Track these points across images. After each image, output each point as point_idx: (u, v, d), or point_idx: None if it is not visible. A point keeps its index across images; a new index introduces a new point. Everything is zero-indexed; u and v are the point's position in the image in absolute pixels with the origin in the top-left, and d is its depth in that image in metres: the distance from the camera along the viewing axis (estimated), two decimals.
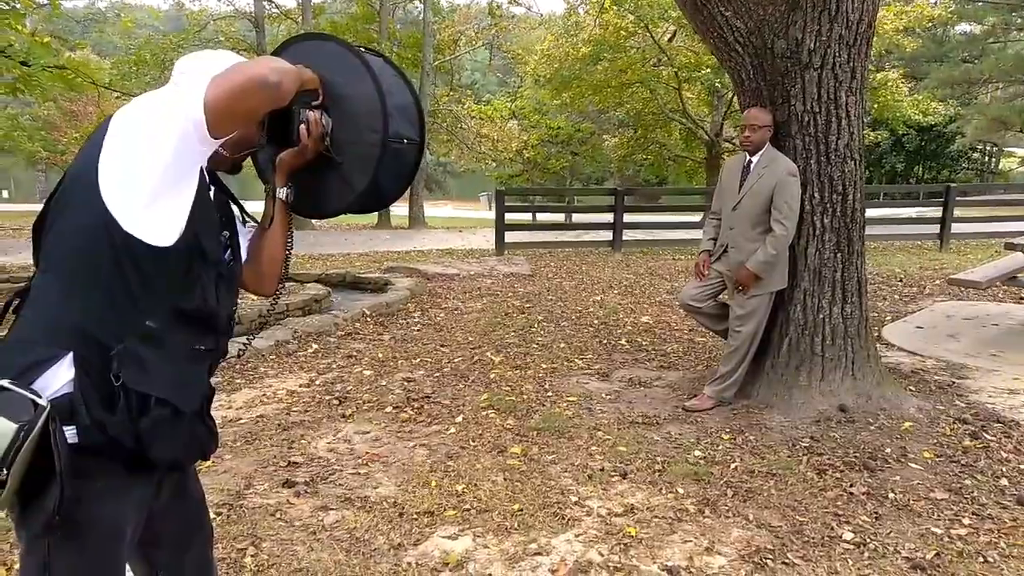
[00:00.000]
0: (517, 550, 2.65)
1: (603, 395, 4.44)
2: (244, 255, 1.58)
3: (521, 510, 2.94)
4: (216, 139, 1.29)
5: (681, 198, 20.44)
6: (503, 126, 25.45)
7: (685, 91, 19.76)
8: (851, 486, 3.14)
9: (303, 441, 3.71)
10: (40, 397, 1.18)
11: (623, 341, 5.79)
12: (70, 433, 1.21)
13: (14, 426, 1.13)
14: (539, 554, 2.63)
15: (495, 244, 11.59)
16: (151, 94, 1.33)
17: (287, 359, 5.22)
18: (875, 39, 4.44)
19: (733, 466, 3.37)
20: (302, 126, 1.51)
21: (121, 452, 1.26)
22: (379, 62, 1.62)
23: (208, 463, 3.31)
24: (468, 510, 2.95)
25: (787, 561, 2.57)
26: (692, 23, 4.41)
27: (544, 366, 5.06)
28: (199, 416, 1.41)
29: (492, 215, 12.80)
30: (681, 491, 3.12)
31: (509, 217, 12.01)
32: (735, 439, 3.70)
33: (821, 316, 4.05)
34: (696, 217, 14.17)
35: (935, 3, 21.83)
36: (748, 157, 4.06)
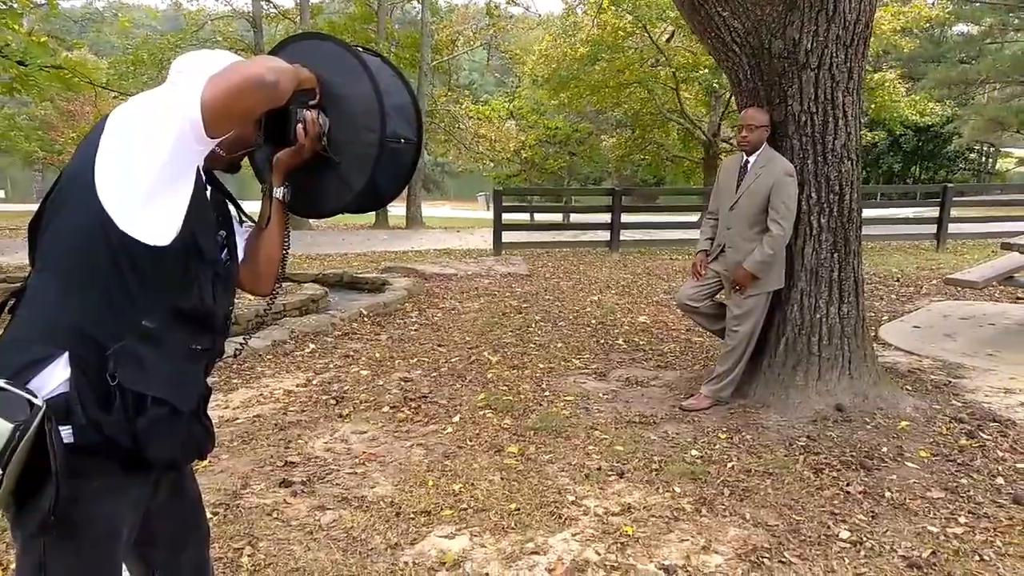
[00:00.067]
0: (514, 549, 2.65)
1: (600, 395, 4.44)
2: (241, 255, 1.58)
3: (518, 509, 2.95)
4: (213, 138, 1.29)
5: (679, 198, 20.45)
6: (501, 126, 25.43)
7: (683, 91, 19.76)
8: (848, 485, 3.15)
9: (300, 441, 3.71)
10: (36, 397, 1.18)
11: (620, 341, 5.79)
12: (66, 433, 1.21)
13: (10, 426, 1.13)
14: (536, 553, 2.63)
15: (493, 244, 11.59)
16: (148, 93, 1.33)
17: (284, 359, 5.22)
18: (872, 39, 4.45)
19: (730, 465, 3.38)
20: (299, 126, 1.51)
21: (117, 452, 1.26)
22: (376, 62, 1.62)
23: (205, 463, 3.31)
24: (465, 509, 2.95)
25: (784, 560, 2.58)
26: (690, 23, 4.42)
27: (541, 366, 5.06)
28: (196, 416, 1.41)
29: (490, 215, 12.80)
30: (678, 490, 3.13)
31: (507, 217, 12.00)
32: (732, 438, 3.71)
33: (818, 316, 4.06)
34: (693, 217, 14.18)
35: (932, 4, 21.92)
36: (745, 157, 4.07)
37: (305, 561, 2.57)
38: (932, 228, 11.97)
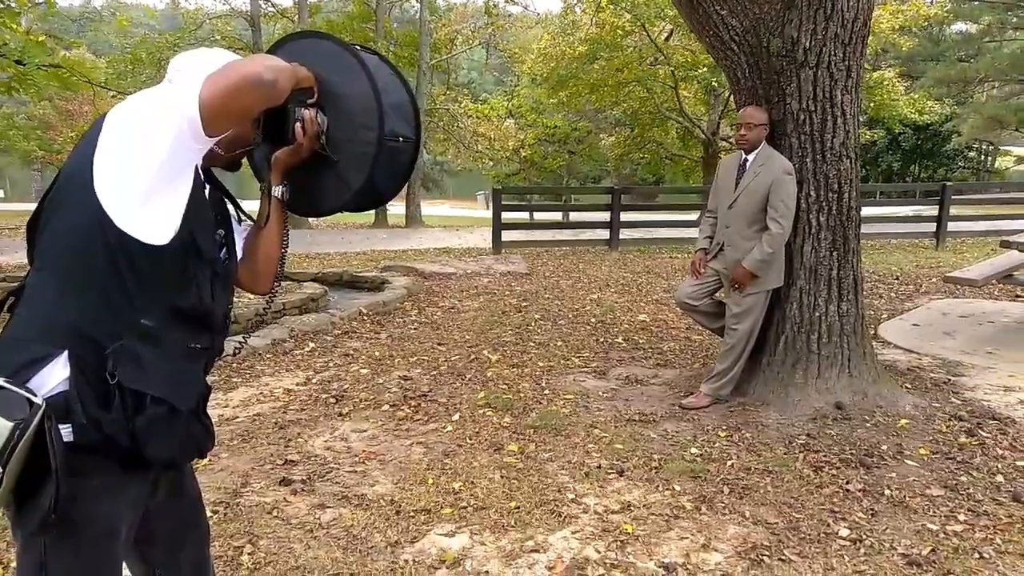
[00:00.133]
0: (514, 547, 2.65)
1: (600, 393, 4.44)
2: (240, 253, 1.58)
3: (518, 507, 2.95)
4: (211, 137, 1.29)
5: (678, 197, 20.42)
6: (500, 125, 25.43)
7: (682, 90, 19.76)
8: (847, 483, 3.15)
9: (300, 439, 3.71)
10: (36, 395, 1.18)
11: (620, 339, 5.80)
12: (66, 431, 1.21)
13: (9, 424, 1.13)
14: (536, 551, 2.63)
15: (492, 243, 11.58)
16: (146, 92, 1.33)
17: (284, 358, 5.22)
18: (871, 38, 4.45)
19: (729, 463, 3.38)
20: (298, 124, 1.51)
21: (117, 450, 1.26)
22: (375, 60, 1.62)
23: (205, 461, 3.31)
24: (465, 508, 2.95)
25: (783, 558, 2.58)
26: (688, 22, 4.42)
27: (541, 364, 5.07)
28: (195, 414, 1.41)
29: (489, 214, 12.79)
30: (678, 488, 3.13)
31: (506, 216, 11.99)
32: (731, 436, 3.71)
33: (817, 314, 4.06)
34: (693, 216, 14.16)
35: (931, 2, 21.92)
36: (744, 155, 4.07)
37: (305, 559, 2.57)
38: (931, 226, 11.98)
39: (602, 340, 5.78)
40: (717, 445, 3.61)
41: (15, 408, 1.15)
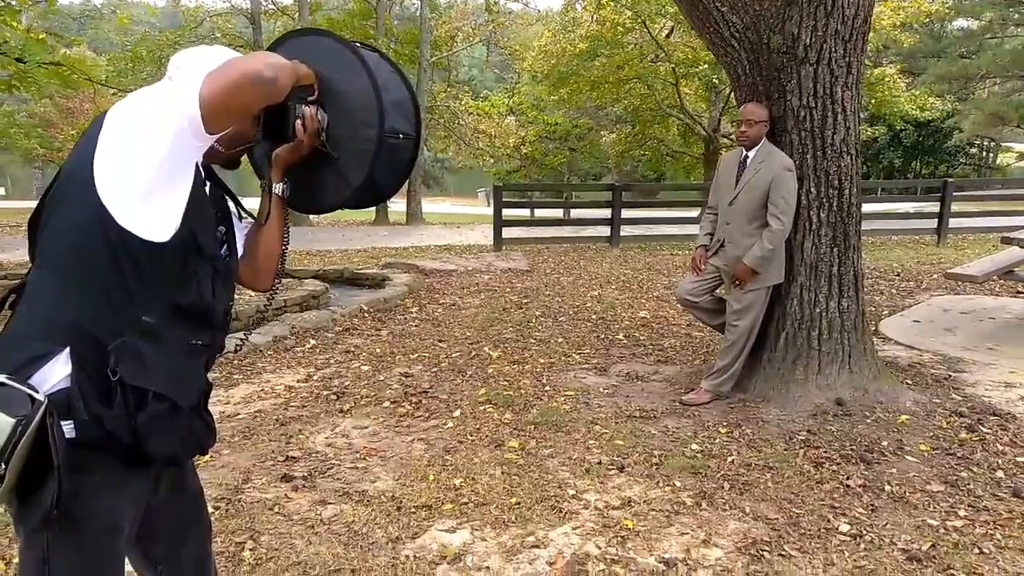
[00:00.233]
0: (515, 543, 2.66)
1: (600, 389, 4.45)
2: (240, 250, 1.58)
3: (519, 503, 2.96)
4: (211, 134, 1.29)
5: (679, 193, 20.51)
6: (501, 122, 25.44)
7: (683, 87, 19.75)
8: (848, 479, 3.15)
9: (301, 436, 3.72)
10: (37, 392, 1.18)
11: (621, 336, 5.80)
12: (67, 428, 1.22)
13: (11, 421, 1.14)
14: (537, 547, 2.64)
15: (493, 240, 11.58)
16: (146, 90, 1.34)
17: (285, 355, 5.23)
18: (872, 34, 4.45)
19: (730, 459, 3.39)
20: (298, 121, 1.51)
21: (118, 447, 1.27)
22: (375, 57, 1.62)
23: (206, 458, 3.32)
24: (466, 503, 2.96)
25: (784, 553, 2.59)
26: (688, 19, 4.42)
27: (542, 361, 5.07)
28: (196, 411, 1.41)
29: (490, 211, 12.79)
30: (678, 484, 3.13)
31: (507, 213, 11.99)
32: (732, 433, 3.71)
33: (818, 310, 4.06)
34: (694, 212, 14.14)
35: None
36: (744, 152, 4.07)
37: (307, 555, 2.58)
38: (932, 223, 11.96)
39: (603, 337, 5.78)
40: (718, 441, 3.61)
41: (17, 405, 1.15)
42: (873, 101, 19.51)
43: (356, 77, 1.54)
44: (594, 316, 6.55)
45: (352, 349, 5.41)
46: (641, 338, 5.73)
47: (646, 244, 11.90)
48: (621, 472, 3.26)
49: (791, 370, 4.10)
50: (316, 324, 5.95)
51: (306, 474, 3.25)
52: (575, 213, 18.30)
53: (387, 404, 4.20)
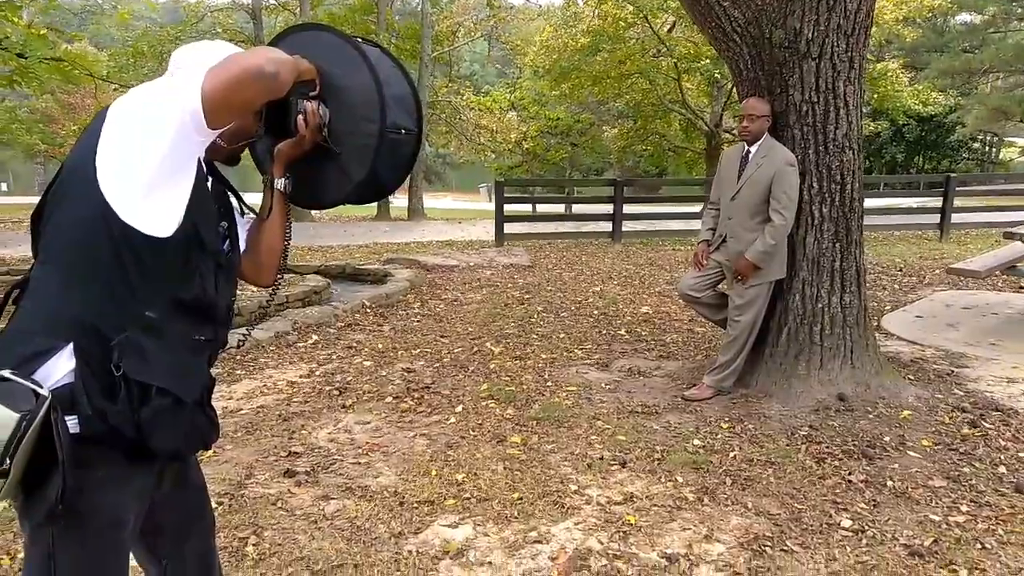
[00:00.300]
0: (517, 538, 2.66)
1: (602, 385, 4.45)
2: (243, 246, 1.58)
3: (521, 499, 2.96)
4: (213, 130, 1.29)
5: (681, 188, 20.48)
6: (502, 117, 25.37)
7: (684, 82, 19.69)
8: (849, 474, 3.15)
9: (304, 431, 3.72)
10: (41, 387, 1.18)
11: (623, 331, 5.80)
12: (71, 423, 1.22)
13: (16, 416, 1.14)
14: (539, 542, 2.64)
15: (495, 235, 11.58)
16: (148, 85, 1.33)
17: (287, 350, 5.24)
18: (875, 29, 4.44)
19: (732, 455, 3.39)
20: (300, 117, 1.51)
21: (122, 442, 1.27)
22: (376, 52, 1.62)
23: (209, 453, 3.33)
24: (468, 499, 2.96)
25: (785, 548, 2.59)
26: (690, 13, 4.40)
27: (544, 356, 5.07)
28: (200, 406, 1.41)
29: (492, 206, 12.81)
30: (680, 479, 3.14)
31: (509, 208, 11.99)
32: (734, 428, 3.71)
33: (820, 305, 4.06)
34: (696, 207, 14.15)
35: None
36: (747, 147, 4.06)
37: (310, 550, 2.58)
38: (935, 218, 11.94)
39: (605, 332, 5.78)
40: (719, 436, 3.61)
41: (21, 400, 1.15)
42: (876, 96, 19.47)
43: (357, 72, 1.54)
44: (596, 311, 6.55)
45: (354, 345, 5.41)
46: (643, 333, 5.73)
47: (648, 239, 11.89)
48: (623, 467, 3.27)
49: (793, 365, 4.10)
50: (318, 320, 5.95)
51: (309, 469, 3.25)
52: (577, 208, 18.26)
53: (389, 399, 4.21)
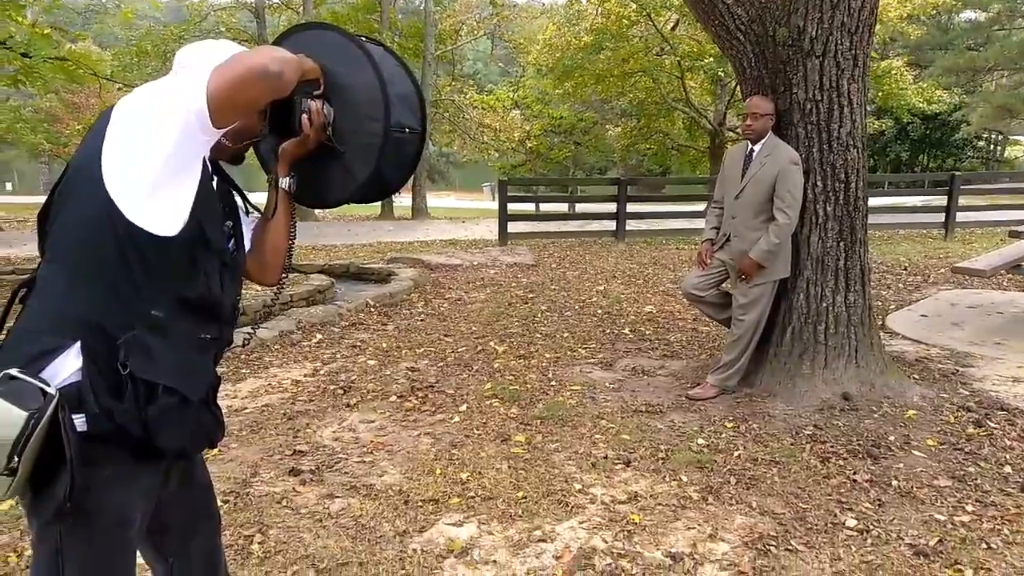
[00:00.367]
0: (521, 537, 2.67)
1: (607, 384, 4.45)
2: (247, 245, 1.59)
3: (525, 498, 2.96)
4: (218, 129, 1.29)
5: (684, 187, 20.45)
6: (505, 116, 25.36)
7: (688, 80, 19.66)
8: (854, 474, 3.15)
9: (308, 430, 3.73)
10: (49, 386, 1.19)
11: (626, 330, 5.80)
12: (79, 421, 1.22)
13: (24, 414, 1.14)
14: (543, 541, 2.64)
15: (498, 234, 11.58)
16: (153, 84, 1.34)
17: (291, 349, 5.24)
18: (879, 27, 4.43)
19: (736, 454, 3.38)
20: (304, 116, 1.51)
21: (129, 440, 1.27)
22: (380, 51, 1.62)
23: (215, 452, 3.33)
24: (473, 498, 2.97)
25: (790, 547, 2.58)
26: (694, 11, 4.40)
27: (548, 355, 5.07)
28: (206, 404, 1.42)
29: (495, 205, 12.79)
30: (684, 479, 3.14)
31: (512, 207, 11.99)
32: (738, 427, 3.71)
33: (824, 304, 4.05)
34: (700, 206, 14.13)
35: None
36: (750, 146, 4.06)
37: (315, 548, 2.59)
38: (940, 216, 11.91)
39: (608, 331, 5.78)
40: (724, 436, 3.61)
41: (29, 398, 1.16)
42: (880, 94, 19.40)
43: (361, 71, 1.54)
44: (600, 311, 6.54)
45: (358, 344, 5.42)
46: (647, 332, 5.72)
47: (651, 238, 11.88)
48: (627, 466, 3.27)
49: (797, 365, 4.09)
50: (322, 319, 5.96)
51: (313, 468, 3.26)
52: (580, 207, 18.26)
53: (394, 398, 4.21)
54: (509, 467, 3.26)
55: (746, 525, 2.74)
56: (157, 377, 1.28)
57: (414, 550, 2.58)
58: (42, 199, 1.39)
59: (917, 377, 4.37)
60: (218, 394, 1.51)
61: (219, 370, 1.53)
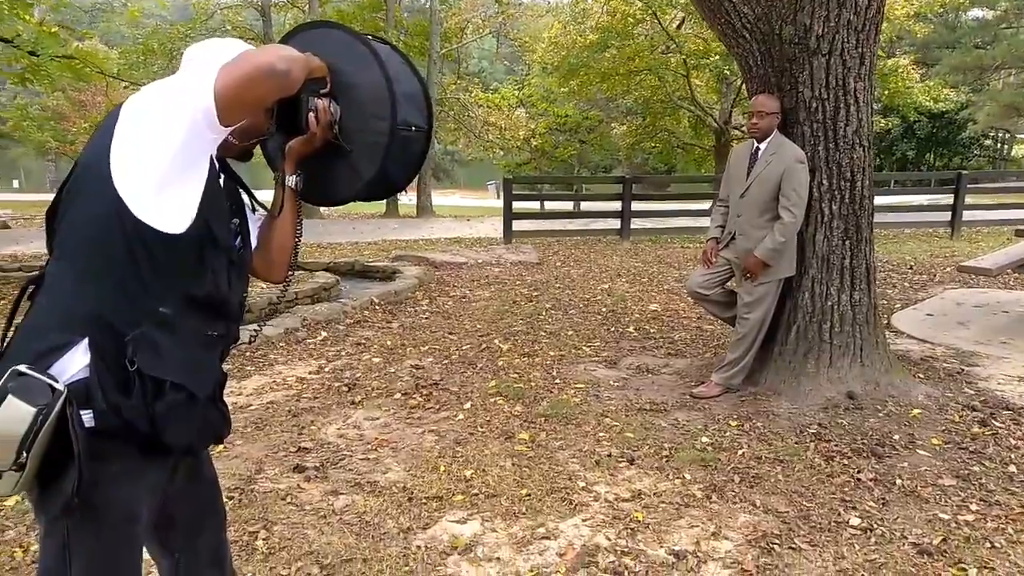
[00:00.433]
0: (525, 534, 2.67)
1: (611, 382, 4.45)
2: (254, 242, 1.60)
3: (529, 495, 2.97)
4: (225, 127, 1.30)
5: (689, 186, 20.38)
6: (510, 114, 25.33)
7: (693, 78, 19.62)
8: (859, 472, 3.15)
9: (313, 427, 3.74)
10: (57, 382, 1.20)
11: (631, 329, 5.80)
12: (87, 417, 1.23)
13: (32, 410, 1.16)
14: (547, 538, 2.65)
15: (503, 232, 11.59)
16: (161, 82, 1.35)
17: (296, 346, 5.26)
18: (885, 25, 4.41)
19: (740, 452, 3.38)
20: (311, 114, 1.52)
21: (136, 436, 1.28)
22: (386, 49, 1.62)
23: (220, 448, 3.35)
24: (476, 495, 2.97)
25: (794, 546, 2.59)
26: (699, 9, 4.39)
27: (552, 353, 5.08)
28: (212, 401, 1.43)
29: (500, 204, 12.79)
30: (688, 477, 3.14)
31: (517, 205, 11.99)
32: (742, 426, 3.71)
33: (829, 303, 4.05)
34: (705, 205, 14.11)
35: None
36: (756, 144, 4.05)
37: (319, 545, 2.60)
38: (946, 215, 11.87)
39: (613, 329, 5.78)
40: (728, 434, 3.61)
41: (38, 394, 1.17)
42: (886, 92, 19.32)
43: (368, 69, 1.55)
44: (604, 309, 6.54)
45: (363, 341, 5.43)
46: (651, 331, 5.72)
47: (656, 237, 11.87)
48: (631, 464, 3.27)
49: (802, 363, 4.09)
50: (327, 316, 5.97)
51: (318, 465, 3.27)
52: (585, 206, 18.27)
53: (398, 396, 4.22)
54: (513, 464, 3.27)
55: (750, 523, 2.75)
56: (164, 374, 1.29)
57: (418, 547, 2.59)
58: (49, 197, 1.40)
59: (922, 376, 4.36)
60: (224, 390, 1.52)
61: (225, 366, 1.54)
